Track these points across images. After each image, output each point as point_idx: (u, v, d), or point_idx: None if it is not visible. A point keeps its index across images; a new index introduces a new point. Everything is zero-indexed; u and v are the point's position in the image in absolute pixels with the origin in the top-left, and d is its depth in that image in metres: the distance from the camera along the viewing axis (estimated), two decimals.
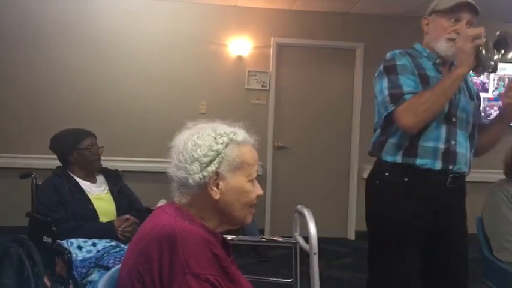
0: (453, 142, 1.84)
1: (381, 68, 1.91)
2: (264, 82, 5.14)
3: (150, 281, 1.13)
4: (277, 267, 3.77)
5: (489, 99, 5.17)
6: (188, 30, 5.01)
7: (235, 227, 1.32)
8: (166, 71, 4.98)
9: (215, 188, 1.24)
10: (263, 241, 2.41)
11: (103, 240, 2.35)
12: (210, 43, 5.02)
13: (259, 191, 1.32)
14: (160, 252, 1.14)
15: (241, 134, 1.30)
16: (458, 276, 1.92)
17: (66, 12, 4.83)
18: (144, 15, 4.96)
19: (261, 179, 5.01)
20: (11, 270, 2.43)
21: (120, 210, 2.57)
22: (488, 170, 3.41)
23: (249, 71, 5.11)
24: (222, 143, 1.25)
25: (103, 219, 2.49)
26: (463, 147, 1.87)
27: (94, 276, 2.19)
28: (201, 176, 1.22)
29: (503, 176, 2.38)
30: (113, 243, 2.35)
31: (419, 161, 1.83)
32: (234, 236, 2.05)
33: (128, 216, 2.46)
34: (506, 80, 5.20)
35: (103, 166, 2.74)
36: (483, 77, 5.01)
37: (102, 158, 2.72)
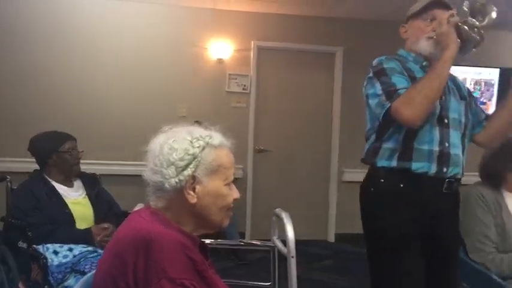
0: (447, 144, 1.83)
1: (370, 74, 1.90)
2: (244, 85, 5.14)
3: (125, 286, 1.12)
4: (257, 271, 3.77)
5: None
6: (168, 33, 4.99)
7: (212, 231, 1.32)
8: (146, 74, 4.94)
9: (191, 192, 1.24)
10: (242, 245, 2.40)
11: (80, 245, 2.32)
12: (190, 46, 5.01)
13: (236, 194, 1.32)
14: (135, 257, 1.13)
15: (217, 138, 1.30)
16: (449, 279, 1.92)
17: (46, 14, 4.76)
18: (123, 17, 4.92)
19: (241, 182, 5.04)
20: None
21: (97, 215, 2.54)
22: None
23: (229, 74, 5.11)
24: (198, 147, 1.25)
25: (80, 223, 2.46)
26: (456, 149, 1.86)
27: (70, 281, 2.16)
28: (177, 180, 1.22)
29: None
30: (90, 248, 2.32)
31: (414, 165, 1.81)
32: (212, 240, 2.04)
33: (106, 225, 2.44)
34: (483, 84, 5.30)
35: (81, 170, 2.71)
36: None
37: (81, 161, 2.69)
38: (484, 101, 5.26)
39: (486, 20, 1.77)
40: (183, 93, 5.00)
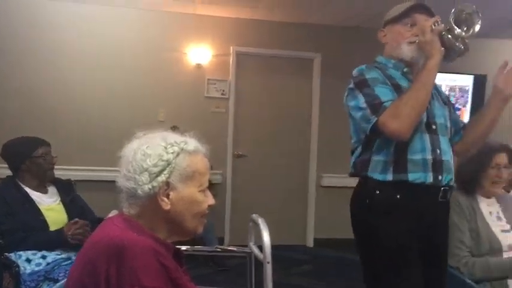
0: (438, 151, 1.80)
1: (351, 85, 1.83)
2: (223, 90, 5.14)
3: None
4: (235, 277, 3.76)
5: None
6: (147, 37, 4.96)
7: (185, 238, 1.31)
8: (124, 79, 4.90)
9: (165, 199, 1.22)
10: (218, 251, 2.39)
11: (53, 252, 2.28)
12: (169, 51, 4.99)
13: (211, 200, 1.31)
14: (107, 264, 1.12)
15: (192, 143, 1.28)
16: (444, 285, 1.92)
17: (19, 18, 4.69)
18: (101, 22, 4.88)
19: (220, 187, 5.03)
20: None
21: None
22: None
23: (208, 79, 5.10)
24: (172, 153, 1.24)
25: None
26: (447, 155, 1.84)
27: None
28: (150, 186, 1.20)
29: None
30: (64, 256, 2.28)
31: (411, 176, 1.76)
32: (188, 247, 2.03)
33: (76, 219, 2.40)
34: (457, 90, 5.41)
35: (56, 176, 2.66)
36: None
37: (56, 166, 2.65)
38: (459, 107, 5.37)
39: (470, 31, 1.74)
40: (161, 98, 4.97)
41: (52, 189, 2.61)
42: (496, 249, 2.23)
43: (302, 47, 5.26)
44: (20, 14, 4.70)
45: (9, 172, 2.59)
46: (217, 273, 4.15)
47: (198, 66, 5.06)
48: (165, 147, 1.24)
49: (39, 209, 2.43)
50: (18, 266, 2.15)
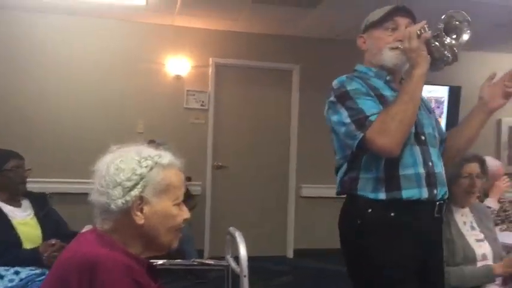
0: (430, 164, 1.70)
1: (332, 98, 1.70)
2: (203, 102, 5.14)
3: None
4: None
5: None
6: (126, 48, 4.94)
7: (160, 253, 1.29)
8: (102, 90, 4.86)
9: (139, 213, 1.21)
10: (195, 265, 2.36)
11: (27, 268, 2.23)
12: (147, 62, 4.97)
13: (186, 214, 1.30)
14: (79, 281, 1.10)
15: (167, 157, 1.28)
16: None
17: None
18: (79, 32, 4.85)
19: (200, 198, 5.00)
20: None
21: (46, 236, 2.44)
22: None
23: (187, 91, 5.10)
24: (146, 167, 1.22)
25: (28, 245, 2.36)
26: (439, 167, 1.74)
27: None
28: (123, 201, 1.19)
29: None
30: (38, 271, 2.22)
31: (405, 193, 1.64)
32: (165, 260, 2.00)
33: (53, 241, 2.35)
34: (433, 101, 5.50)
35: (31, 189, 2.61)
36: None
37: (31, 179, 2.60)
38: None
39: (461, 39, 1.63)
40: (140, 110, 4.94)
41: (25, 203, 2.55)
42: (470, 258, 2.27)
43: (281, 59, 5.30)
44: None
45: None
46: (195, 286, 4.12)
47: (178, 77, 5.06)
48: (139, 161, 1.23)
49: (12, 223, 2.38)
50: None
